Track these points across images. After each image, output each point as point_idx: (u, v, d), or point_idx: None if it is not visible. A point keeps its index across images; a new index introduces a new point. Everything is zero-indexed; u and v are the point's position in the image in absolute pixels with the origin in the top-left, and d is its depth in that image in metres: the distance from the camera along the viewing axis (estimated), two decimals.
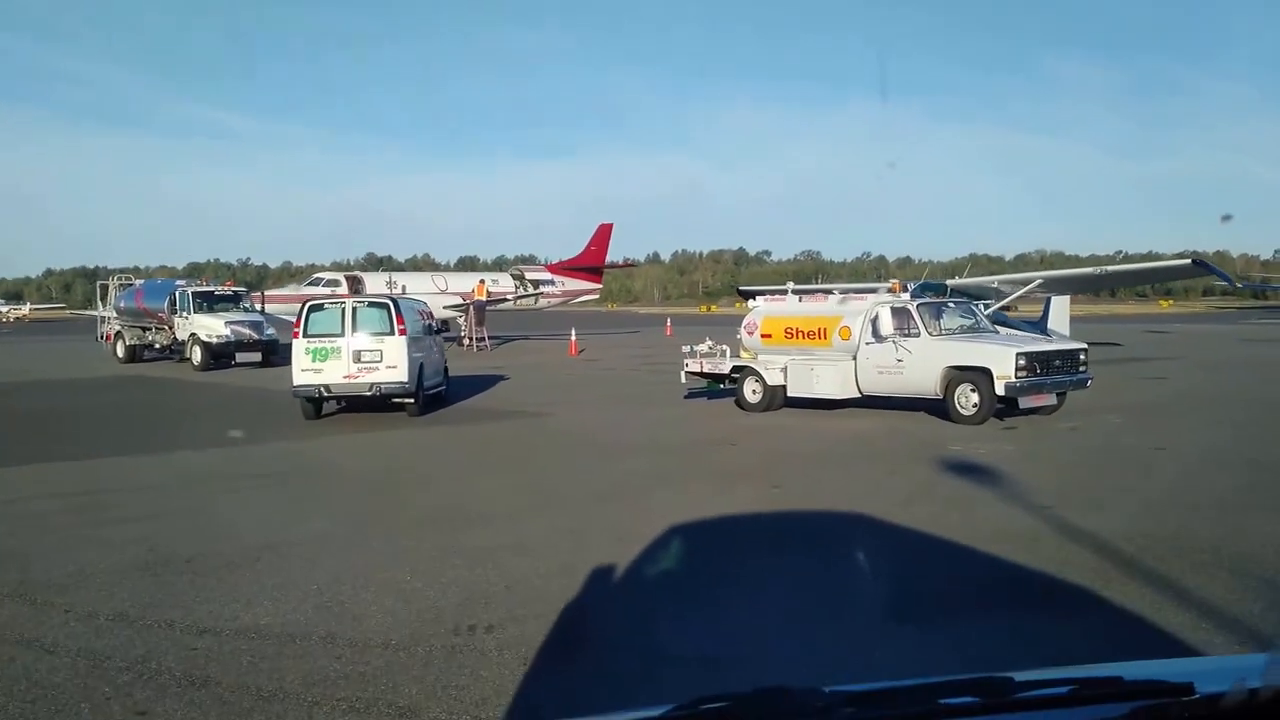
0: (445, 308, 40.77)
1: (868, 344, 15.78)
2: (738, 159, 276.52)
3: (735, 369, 17.65)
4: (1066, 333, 24.72)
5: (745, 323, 17.83)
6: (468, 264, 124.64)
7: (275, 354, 31.41)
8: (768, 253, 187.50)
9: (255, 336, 30.96)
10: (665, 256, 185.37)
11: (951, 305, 17.25)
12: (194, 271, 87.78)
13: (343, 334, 17.02)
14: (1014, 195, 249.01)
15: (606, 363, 31.67)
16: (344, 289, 39.66)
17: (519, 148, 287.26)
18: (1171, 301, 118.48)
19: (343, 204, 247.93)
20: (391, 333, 17.02)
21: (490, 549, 8.02)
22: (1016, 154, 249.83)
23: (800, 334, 16.79)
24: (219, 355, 30.74)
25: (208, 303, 32.12)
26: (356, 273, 40.85)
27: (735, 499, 10.27)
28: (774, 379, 16.89)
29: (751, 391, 17.22)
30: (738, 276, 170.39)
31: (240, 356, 30.60)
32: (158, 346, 34.23)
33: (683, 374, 18.56)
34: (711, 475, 11.74)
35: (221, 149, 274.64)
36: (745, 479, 11.42)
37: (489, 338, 39.86)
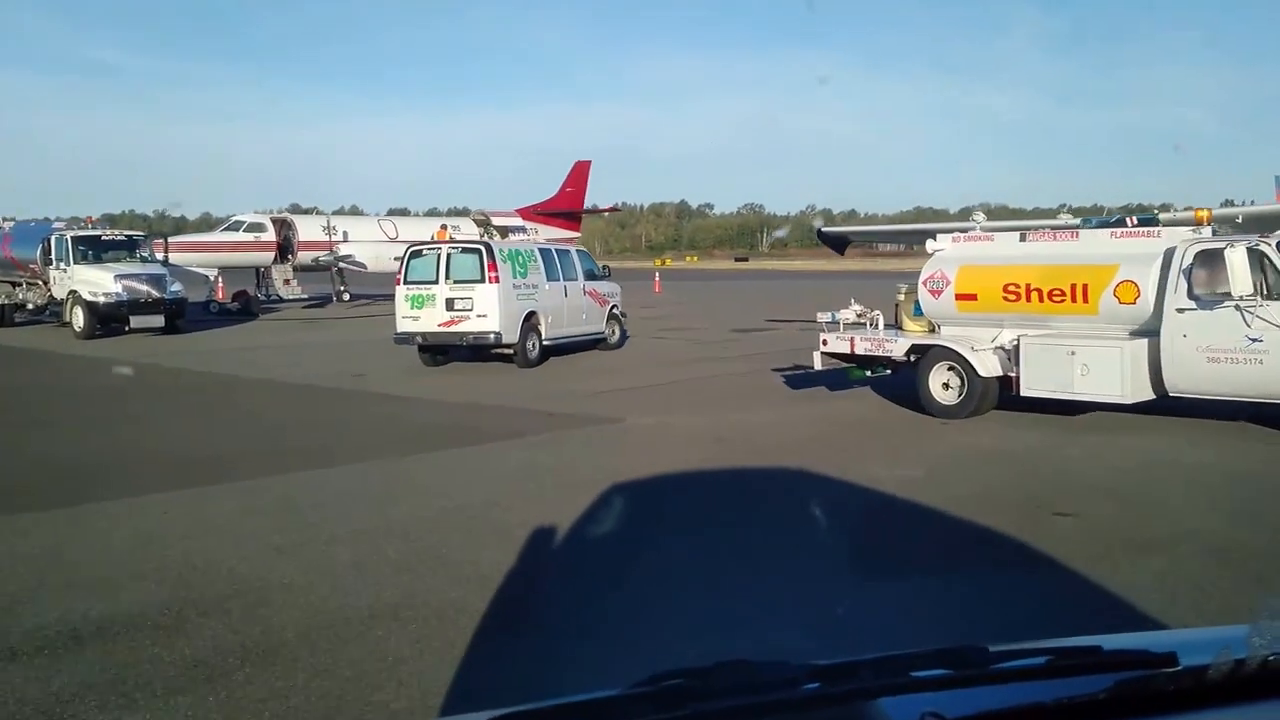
0: (396, 259, 33.67)
1: (1181, 311, 9.46)
2: (676, 110, 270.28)
3: (914, 349, 11.32)
4: None
5: (926, 277, 11.36)
6: (398, 215, 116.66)
7: (182, 316, 24.29)
8: (710, 206, 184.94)
9: (155, 294, 23.61)
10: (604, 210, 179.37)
11: None
12: (109, 225, 77.83)
13: (436, 281, 16.48)
14: (956, 146, 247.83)
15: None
16: (270, 234, 32.30)
17: (449, 98, 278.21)
18: None
19: (265, 153, 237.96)
20: (482, 280, 16.21)
21: None
22: (957, 103, 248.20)
23: (1038, 295, 10.37)
24: (107, 319, 23.40)
25: (93, 251, 24.58)
26: (286, 215, 33.32)
27: None
28: (988, 366, 10.51)
29: (944, 386, 10.87)
30: (680, 230, 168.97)
31: (136, 320, 23.26)
32: (30, 307, 26.73)
33: (817, 356, 12.18)
34: None
35: (131, 92, 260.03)
36: None
37: None
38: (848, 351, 11.83)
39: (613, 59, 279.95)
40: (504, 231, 39.20)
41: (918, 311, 11.85)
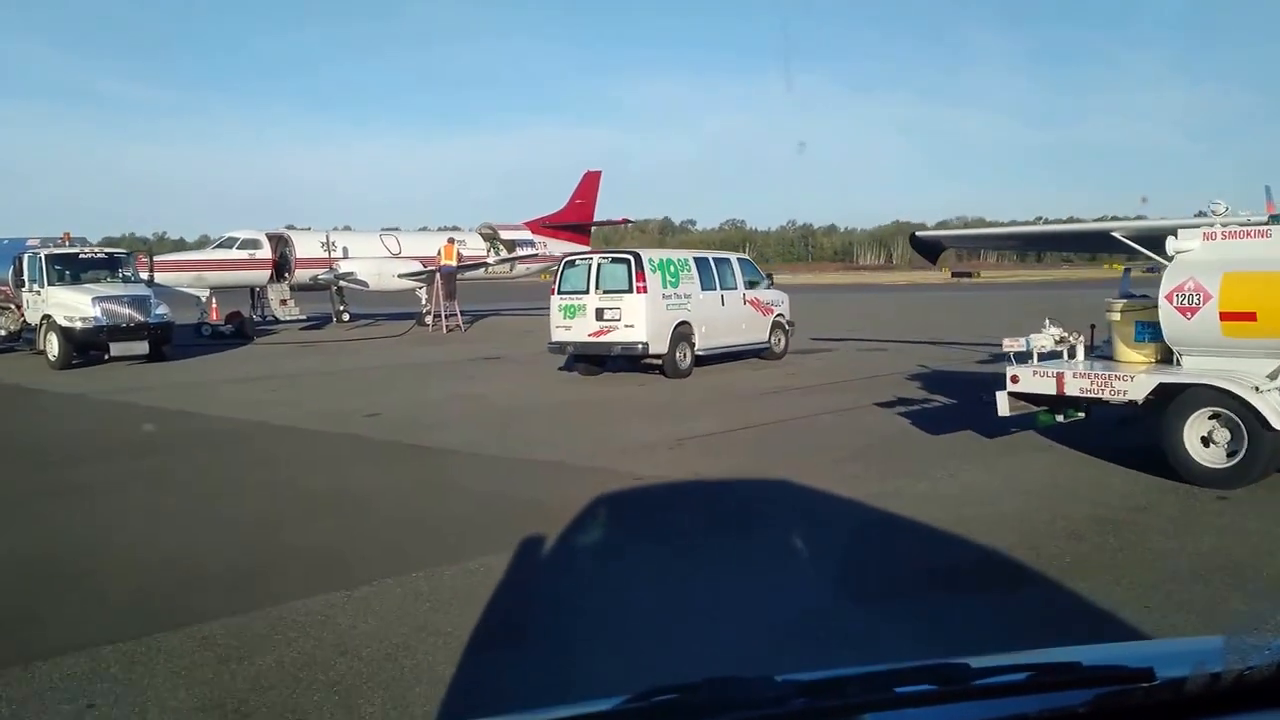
0: (400, 276, 31.42)
1: None
2: (656, 130, 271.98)
3: (1160, 390, 8.38)
4: None
5: (1171, 289, 8.42)
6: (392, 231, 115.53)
7: (168, 342, 21.97)
8: (692, 222, 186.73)
9: (138, 318, 21.28)
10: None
11: None
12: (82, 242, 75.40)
13: (587, 291, 16.76)
14: (932, 164, 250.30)
15: None
16: (265, 251, 29.99)
17: (435, 122, 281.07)
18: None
19: (259, 177, 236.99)
20: (630, 290, 16.41)
21: None
22: (932, 123, 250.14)
23: None
24: (85, 346, 21.05)
25: (70, 271, 22.21)
26: (282, 231, 30.99)
27: None
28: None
29: (1204, 441, 8.02)
30: (664, 245, 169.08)
31: (117, 348, 20.89)
32: (3, 333, 24.37)
33: (1002, 399, 9.27)
34: None
35: (136, 122, 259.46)
36: None
37: (460, 314, 30.61)
38: (1053, 392, 9.04)
39: (596, 82, 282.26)
40: (510, 245, 37.24)
41: (1144, 336, 9.20)
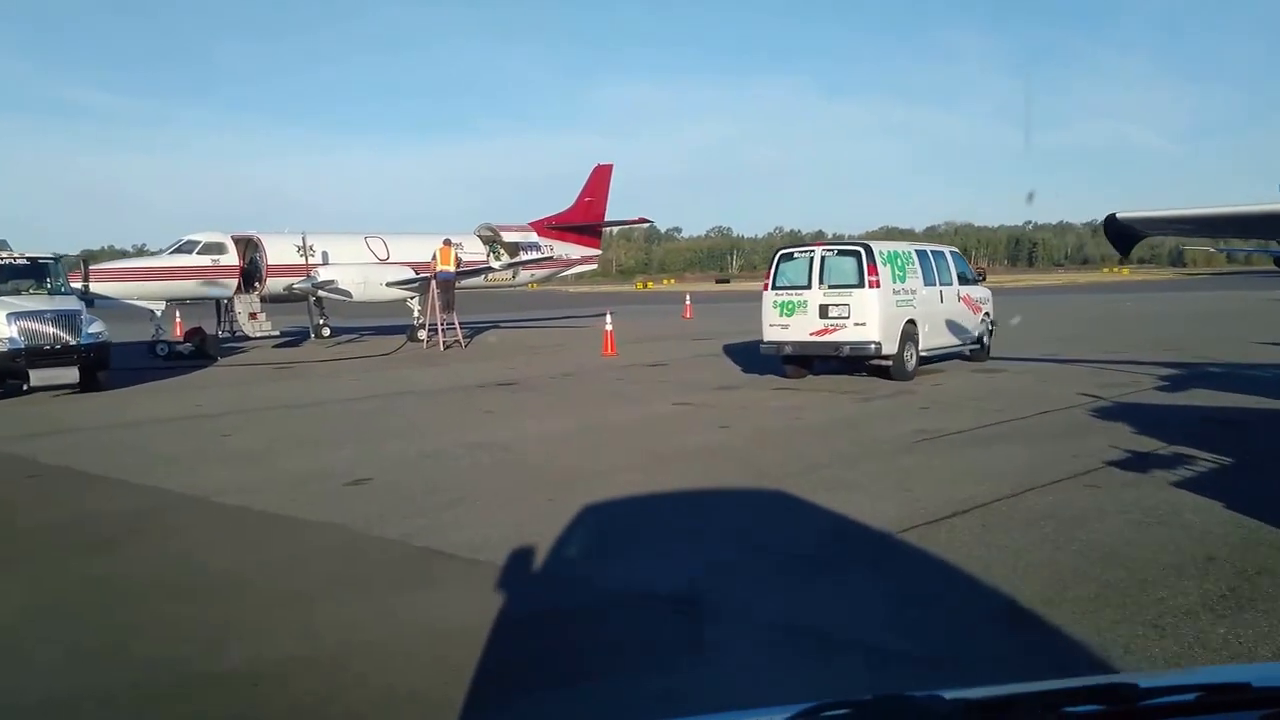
0: (390, 284, 27.26)
1: None
2: (639, 136, 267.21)
3: None
4: None
5: None
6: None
7: (105, 367, 17.86)
8: (678, 229, 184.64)
9: (66, 338, 17.12)
10: None
11: None
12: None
13: (809, 286, 15.60)
14: (918, 167, 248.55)
15: (715, 377, 18.64)
16: (231, 256, 25.81)
17: (414, 130, 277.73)
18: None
19: (235, 186, 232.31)
20: (861, 284, 15.19)
21: None
22: (918, 126, 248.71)
23: None
24: (1, 374, 16.93)
25: None
26: (252, 234, 26.72)
27: None
28: None
29: None
30: (650, 254, 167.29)
31: (39, 376, 16.75)
32: None
33: None
34: None
35: (110, 133, 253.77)
36: None
37: (460, 327, 26.49)
38: None
39: (577, 89, 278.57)
40: (513, 249, 33.10)
41: None
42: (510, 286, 33.45)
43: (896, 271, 15.69)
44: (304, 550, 7.28)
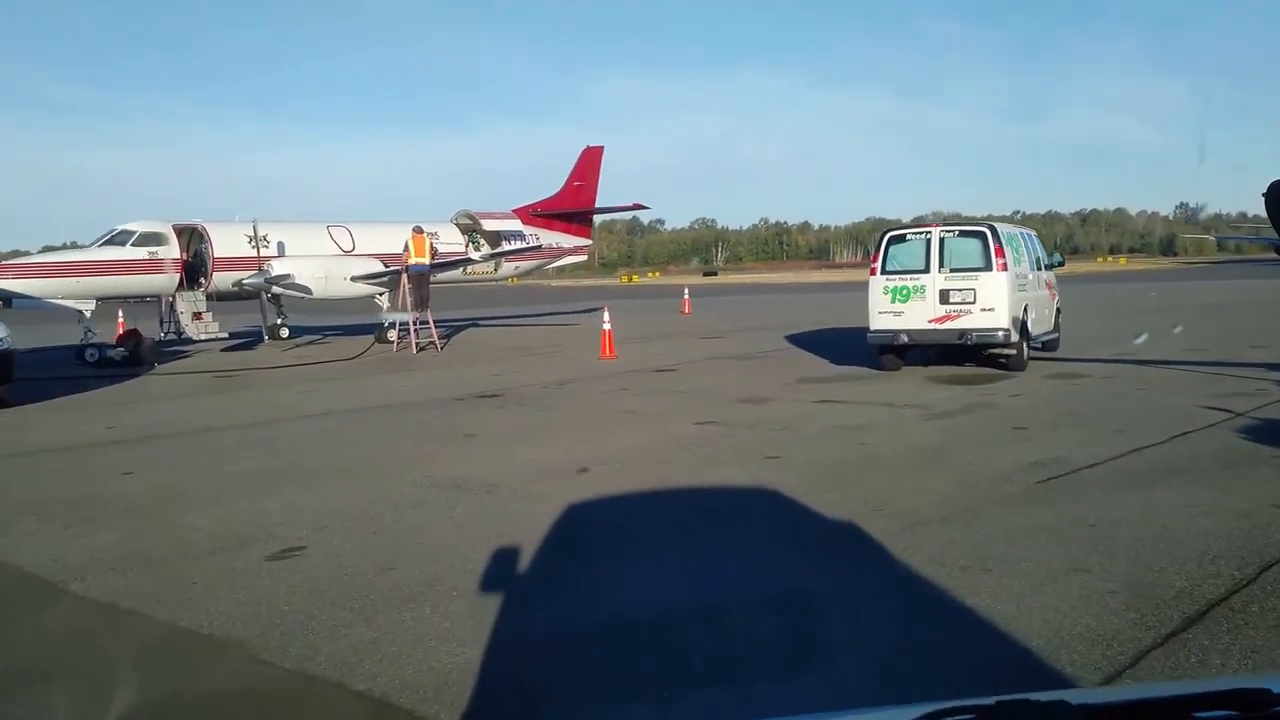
0: (355, 279, 24.36)
1: None
2: (623, 128, 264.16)
3: None
4: None
5: None
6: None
7: (8, 380, 15.00)
8: (661, 221, 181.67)
9: None
10: None
11: None
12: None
13: (927, 270, 14.38)
14: (905, 159, 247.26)
15: (737, 385, 15.88)
16: (172, 248, 22.85)
17: (401, 123, 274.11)
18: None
19: (216, 177, 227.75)
20: (988, 268, 14.07)
21: None
22: (904, 118, 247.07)
23: None
24: None
25: None
26: (196, 224, 23.70)
27: None
28: None
29: None
30: (633, 246, 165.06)
31: None
32: None
33: None
34: None
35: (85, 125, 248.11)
36: None
37: (436, 326, 23.62)
38: None
39: (562, 82, 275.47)
40: (495, 238, 30.23)
41: None
42: (490, 280, 30.59)
43: (1015, 254, 14.64)
44: (168, 700, 4.49)
